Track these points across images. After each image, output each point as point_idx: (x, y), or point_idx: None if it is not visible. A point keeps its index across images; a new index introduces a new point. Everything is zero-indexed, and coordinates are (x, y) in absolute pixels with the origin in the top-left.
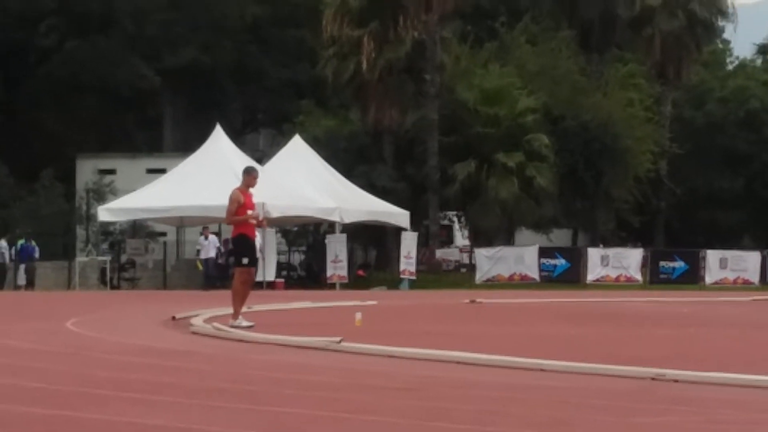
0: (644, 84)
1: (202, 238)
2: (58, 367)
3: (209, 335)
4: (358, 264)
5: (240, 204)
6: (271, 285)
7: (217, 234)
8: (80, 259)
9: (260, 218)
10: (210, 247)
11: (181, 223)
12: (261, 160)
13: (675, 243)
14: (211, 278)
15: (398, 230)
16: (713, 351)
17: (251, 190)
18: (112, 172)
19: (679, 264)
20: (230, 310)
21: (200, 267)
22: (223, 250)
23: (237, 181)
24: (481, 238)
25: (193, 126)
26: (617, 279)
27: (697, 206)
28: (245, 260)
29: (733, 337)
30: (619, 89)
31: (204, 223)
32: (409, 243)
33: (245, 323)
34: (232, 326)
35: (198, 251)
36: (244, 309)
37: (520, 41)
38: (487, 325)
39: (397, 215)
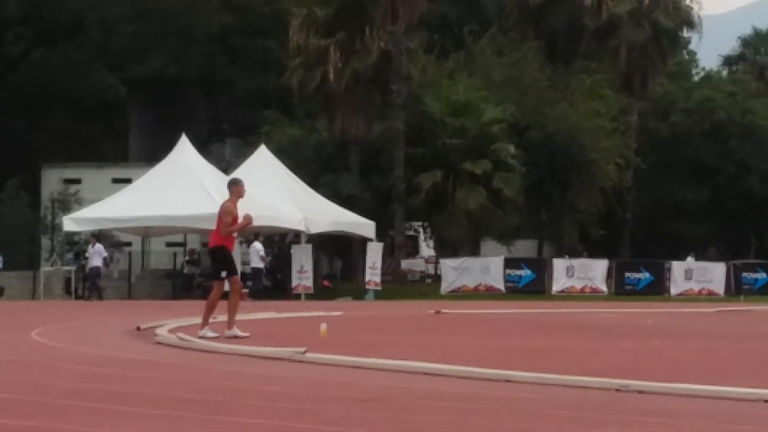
0: (610, 95)
1: (90, 246)
2: (23, 377)
3: (174, 345)
4: (323, 274)
5: (234, 216)
6: None
7: (183, 244)
8: (45, 269)
9: (249, 219)
10: (95, 256)
11: (147, 233)
12: (227, 170)
13: (640, 254)
14: (96, 288)
15: (364, 241)
16: (678, 362)
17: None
18: (77, 181)
19: (644, 275)
20: (195, 321)
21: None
22: (188, 259)
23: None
24: (446, 248)
25: (160, 136)
26: (582, 290)
27: (663, 218)
28: (223, 273)
29: (697, 348)
30: (585, 100)
31: (169, 233)
32: (374, 253)
33: (210, 333)
34: (200, 336)
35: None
36: (211, 319)
37: (486, 51)
38: (452, 336)
39: (363, 225)
